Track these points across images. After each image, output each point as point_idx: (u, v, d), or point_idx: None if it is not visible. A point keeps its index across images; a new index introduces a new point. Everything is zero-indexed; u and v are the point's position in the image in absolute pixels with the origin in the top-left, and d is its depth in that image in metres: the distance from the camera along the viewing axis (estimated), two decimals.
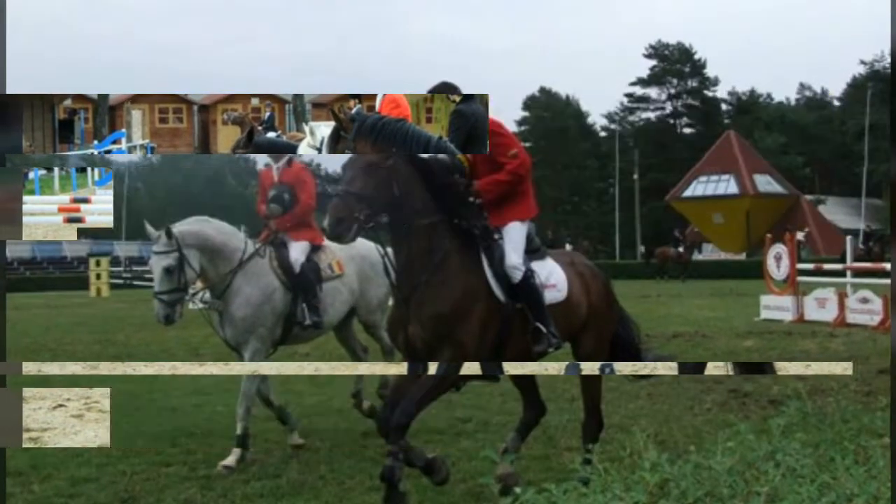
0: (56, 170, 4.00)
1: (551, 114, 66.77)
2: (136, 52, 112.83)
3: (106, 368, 3.37)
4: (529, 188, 4.99)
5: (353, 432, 6.90)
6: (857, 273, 16.24)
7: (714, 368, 3.30)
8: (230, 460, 5.82)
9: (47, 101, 4.22)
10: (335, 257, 6.74)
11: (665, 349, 10.02)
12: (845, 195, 60.18)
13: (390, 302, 5.77)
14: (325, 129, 4.29)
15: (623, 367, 3.72)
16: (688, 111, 69.66)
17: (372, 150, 4.34)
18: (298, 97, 4.42)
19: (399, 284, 4.64)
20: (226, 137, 4.38)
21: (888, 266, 16.68)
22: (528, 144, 57.63)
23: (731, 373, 3.31)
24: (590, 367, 4.03)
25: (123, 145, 4.27)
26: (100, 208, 3.94)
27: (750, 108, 69.63)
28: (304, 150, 4.39)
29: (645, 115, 70.68)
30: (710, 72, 68.87)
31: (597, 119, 71.55)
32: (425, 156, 4.84)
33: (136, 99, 4.39)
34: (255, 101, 4.40)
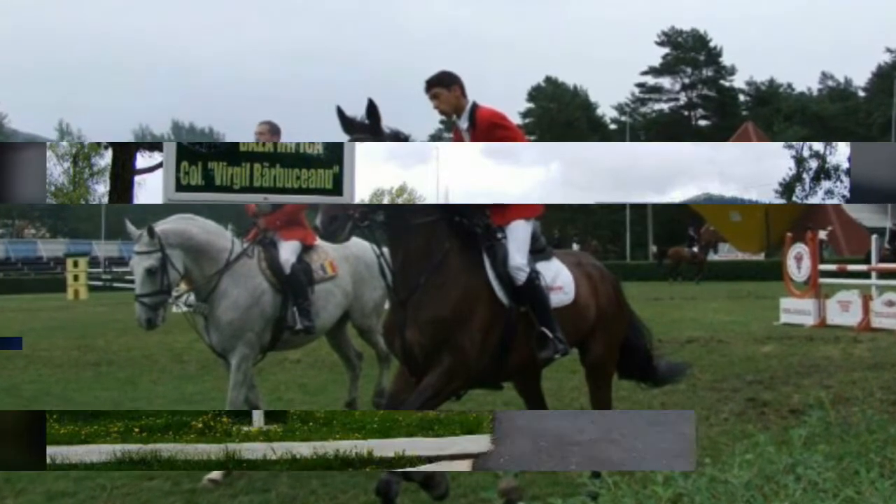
0: None
1: (558, 105, 66.86)
2: (117, 39, 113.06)
3: None
4: None
5: None
6: (883, 274, 16.23)
7: None
8: (216, 473, 5.82)
9: None
10: (328, 258, 6.74)
11: (678, 355, 10.01)
12: None
13: (386, 305, 5.77)
14: None
15: None
16: (703, 102, 69.79)
17: None
18: None
19: (395, 286, 4.64)
20: None
21: None
22: (532, 138, 57.66)
23: None
24: None
25: None
26: None
27: (769, 98, 69.73)
28: None
29: (657, 106, 70.84)
30: (726, 60, 69.08)
31: (606, 111, 71.74)
32: None
33: None
34: None
